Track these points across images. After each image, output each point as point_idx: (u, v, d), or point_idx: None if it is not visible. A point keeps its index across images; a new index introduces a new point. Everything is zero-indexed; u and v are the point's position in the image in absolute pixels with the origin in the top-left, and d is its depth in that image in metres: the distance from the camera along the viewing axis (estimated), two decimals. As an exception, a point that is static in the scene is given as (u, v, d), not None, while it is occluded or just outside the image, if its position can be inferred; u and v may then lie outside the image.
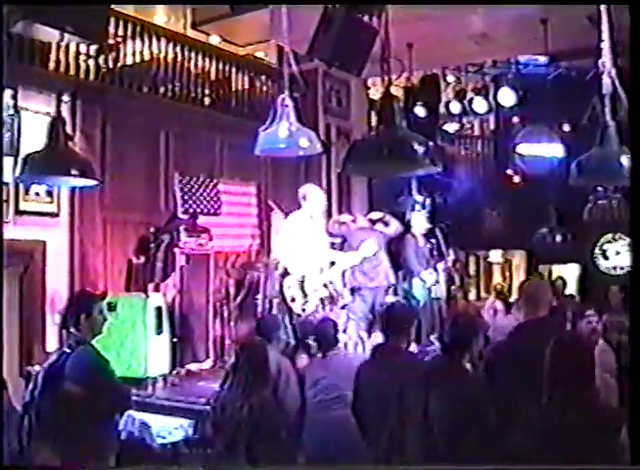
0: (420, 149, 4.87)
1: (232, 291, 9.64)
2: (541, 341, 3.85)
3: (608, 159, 5.15)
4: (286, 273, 8.04)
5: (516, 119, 14.50)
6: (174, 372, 8.43)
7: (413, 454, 4.25)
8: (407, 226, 10.34)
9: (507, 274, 16.58)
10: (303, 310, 7.94)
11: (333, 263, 8.37)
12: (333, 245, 9.27)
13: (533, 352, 3.91)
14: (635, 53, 4.32)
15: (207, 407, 5.79)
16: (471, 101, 14.08)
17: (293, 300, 7.95)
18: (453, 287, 11.36)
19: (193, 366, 8.99)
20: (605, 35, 5.37)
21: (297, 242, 8.12)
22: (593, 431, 3.53)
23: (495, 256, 16.59)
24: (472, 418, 4.14)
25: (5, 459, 4.46)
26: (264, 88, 11.66)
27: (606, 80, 5.21)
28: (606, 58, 5.28)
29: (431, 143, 5.02)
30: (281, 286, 8.02)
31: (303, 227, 8.23)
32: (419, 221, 10.49)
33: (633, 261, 4.19)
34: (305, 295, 7.98)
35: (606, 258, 10.30)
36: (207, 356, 9.31)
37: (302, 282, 7.99)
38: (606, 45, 5.32)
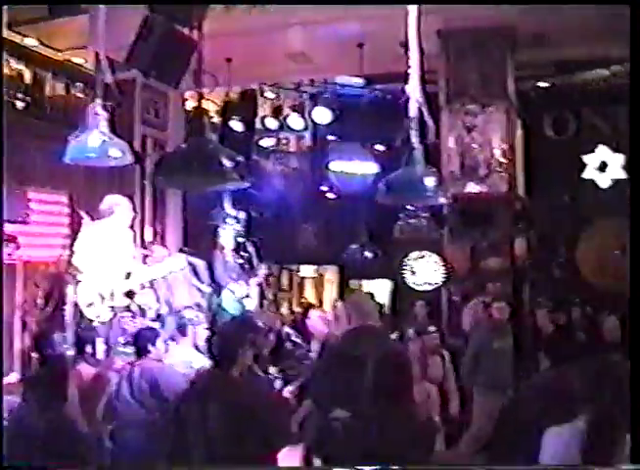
0: (228, 163, 4.94)
1: (40, 302, 9.33)
2: (367, 347, 4.01)
3: (413, 179, 5.37)
4: (84, 281, 7.92)
5: (331, 137, 14.83)
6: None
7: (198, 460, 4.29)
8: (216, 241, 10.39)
9: (319, 289, 16.91)
10: (97, 317, 7.85)
11: (130, 274, 8.31)
12: (145, 257, 9.20)
13: (358, 356, 4.03)
14: (635, 53, 4.45)
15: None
16: (287, 117, 14.32)
17: (89, 305, 7.84)
18: (265, 301, 11.47)
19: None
20: (412, 62, 5.60)
21: (98, 251, 8.02)
22: (408, 439, 3.72)
23: (308, 270, 16.86)
24: (248, 426, 4.22)
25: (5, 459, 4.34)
26: (81, 96, 11.34)
27: (413, 105, 5.42)
28: (413, 84, 5.50)
29: (240, 158, 5.10)
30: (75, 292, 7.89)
31: (107, 237, 8.14)
32: (228, 236, 10.55)
33: (632, 264, 4.34)
34: (104, 303, 7.90)
35: (413, 273, 10.69)
36: (12, 370, 8.95)
37: (99, 289, 7.90)
38: (413, 72, 5.54)
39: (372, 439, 3.73)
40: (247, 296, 10.35)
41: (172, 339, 7.25)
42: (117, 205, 8.31)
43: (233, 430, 4.24)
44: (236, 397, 4.40)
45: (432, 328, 7.74)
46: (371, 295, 5.91)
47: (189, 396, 4.57)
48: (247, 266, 10.59)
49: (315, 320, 8.13)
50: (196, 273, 9.41)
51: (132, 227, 8.93)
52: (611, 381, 3.73)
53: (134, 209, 9.49)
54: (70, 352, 7.19)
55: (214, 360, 4.61)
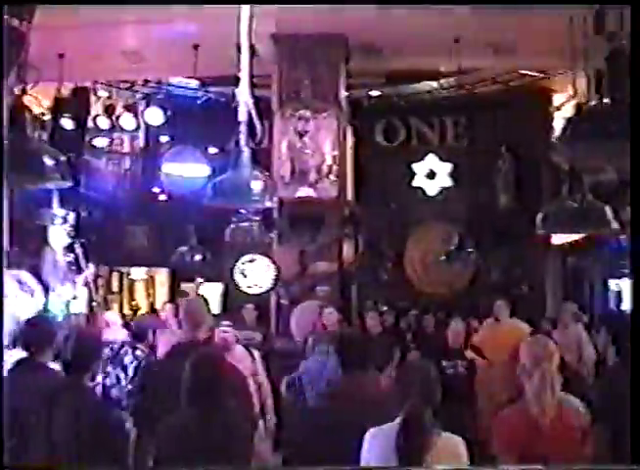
0: (49, 162, 4.83)
1: None
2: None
3: (239, 182, 5.40)
4: None
5: (165, 139, 14.68)
6: None
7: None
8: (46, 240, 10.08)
9: (151, 291, 16.70)
10: None
11: None
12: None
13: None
14: (635, 53, 4.48)
15: None
16: (119, 117, 14.07)
17: None
18: (94, 303, 11.22)
19: None
20: (243, 65, 5.64)
21: None
22: (228, 439, 3.79)
23: (139, 272, 16.62)
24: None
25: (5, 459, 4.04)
26: None
27: (242, 109, 5.46)
28: (243, 87, 5.54)
29: (62, 157, 4.98)
30: None
31: None
32: (57, 236, 10.26)
33: (633, 264, 4.37)
34: None
35: (245, 277, 10.71)
36: None
37: None
38: (244, 75, 5.59)
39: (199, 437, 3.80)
40: (74, 298, 10.09)
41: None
42: None
43: (78, 438, 4.15)
44: (86, 404, 4.30)
45: (225, 322, 7.69)
46: (205, 300, 5.83)
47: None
48: (74, 268, 10.32)
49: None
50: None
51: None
52: (420, 383, 3.87)
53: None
54: None
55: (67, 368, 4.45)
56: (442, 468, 3.72)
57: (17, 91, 5.55)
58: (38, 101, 8.88)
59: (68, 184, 5.17)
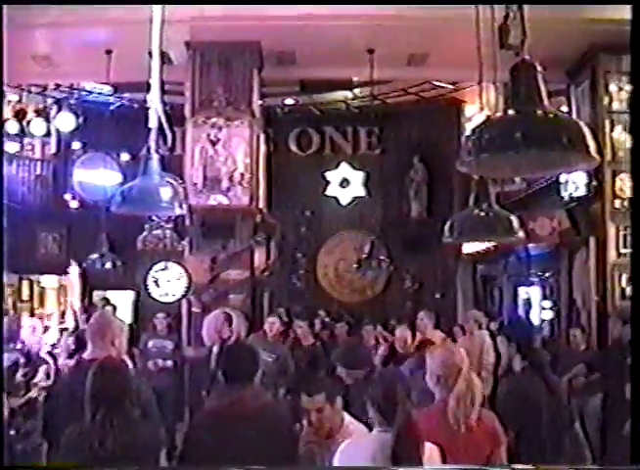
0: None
1: None
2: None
3: (148, 189, 5.38)
4: None
5: (77, 145, 14.51)
6: None
7: None
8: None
9: (62, 299, 16.43)
10: None
11: None
12: None
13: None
14: (635, 53, 4.47)
15: None
16: (29, 122, 13.87)
17: None
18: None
19: None
20: (154, 71, 5.64)
21: None
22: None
23: (50, 281, 16.34)
24: None
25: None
26: None
27: (152, 115, 5.46)
28: (153, 93, 5.54)
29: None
30: None
31: None
32: None
33: (633, 263, 4.36)
34: None
35: (157, 285, 10.64)
36: None
37: None
38: (154, 80, 5.59)
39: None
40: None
41: None
42: None
43: None
44: None
45: None
46: (114, 311, 5.77)
47: None
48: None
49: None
50: None
51: None
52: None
53: None
54: None
55: None
56: (439, 468, 3.76)
57: None
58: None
59: (-30, 190, 5.09)
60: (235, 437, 4.20)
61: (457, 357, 4.33)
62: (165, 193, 5.50)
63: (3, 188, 5.67)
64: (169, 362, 9.72)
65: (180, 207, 5.82)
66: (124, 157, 13.08)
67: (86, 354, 5.14)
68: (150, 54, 6.06)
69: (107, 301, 13.90)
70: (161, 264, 10.69)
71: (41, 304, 16.24)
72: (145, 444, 4.01)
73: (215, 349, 7.93)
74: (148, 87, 5.84)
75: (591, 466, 3.82)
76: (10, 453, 4.46)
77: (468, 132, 3.35)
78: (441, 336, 9.08)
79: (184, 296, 10.38)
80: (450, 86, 14.35)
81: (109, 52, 10.41)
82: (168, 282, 10.63)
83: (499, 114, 3.40)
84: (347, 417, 4.41)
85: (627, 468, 3.74)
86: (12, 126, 13.76)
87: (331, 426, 4.30)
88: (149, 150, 5.60)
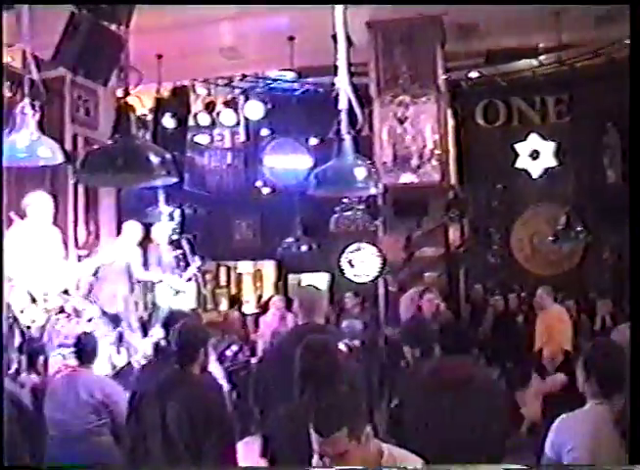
0: (155, 159, 4.85)
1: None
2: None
3: (343, 170, 5.40)
4: (14, 285, 7.71)
5: (265, 132, 14.80)
6: None
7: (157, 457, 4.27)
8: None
9: (258, 284, 16.86)
10: (33, 322, 7.66)
11: (61, 273, 8.17)
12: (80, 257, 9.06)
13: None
14: (635, 53, 4.46)
15: None
16: (219, 113, 14.26)
17: (22, 311, 7.65)
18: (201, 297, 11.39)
19: None
20: (340, 54, 5.64)
21: (22, 252, 7.83)
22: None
23: (246, 266, 16.81)
24: (210, 422, 4.22)
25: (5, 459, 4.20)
26: (8, 95, 11.08)
27: (342, 97, 5.46)
28: (342, 75, 5.54)
29: (167, 154, 5.00)
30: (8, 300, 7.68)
31: (30, 237, 7.96)
32: (161, 232, 10.39)
33: (632, 259, 4.34)
34: (38, 307, 7.73)
35: (352, 266, 10.71)
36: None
37: (31, 293, 7.73)
38: (341, 63, 5.58)
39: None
40: (179, 292, 10.20)
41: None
42: (33, 203, 8.12)
43: (192, 427, 4.22)
44: (196, 393, 4.36)
45: None
46: (318, 289, 5.84)
47: (147, 395, 4.50)
48: (182, 264, 10.45)
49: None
50: (132, 266, 9.30)
51: (56, 225, 8.66)
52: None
53: (66, 209, 9.33)
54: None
55: (176, 358, 4.52)
56: (437, 467, 3.67)
57: (120, 93, 5.72)
58: (140, 102, 9.04)
59: (175, 180, 5.21)
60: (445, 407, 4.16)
61: None
62: (360, 173, 5.51)
63: (3, 186, 5.85)
64: (357, 342, 9.76)
65: (375, 186, 5.80)
66: (312, 141, 13.21)
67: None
68: (333, 38, 6.06)
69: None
70: (355, 245, 10.74)
71: (238, 289, 16.74)
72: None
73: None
74: (332, 70, 5.84)
75: (591, 466, 3.55)
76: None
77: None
78: (561, 310, 8.93)
79: (378, 276, 10.40)
80: (644, 44, 13.57)
81: (291, 38, 10.53)
82: (362, 263, 10.67)
83: None
84: None
85: (627, 468, 3.54)
86: (203, 119, 14.20)
87: None
88: (339, 132, 5.61)
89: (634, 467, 3.49)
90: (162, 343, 5.44)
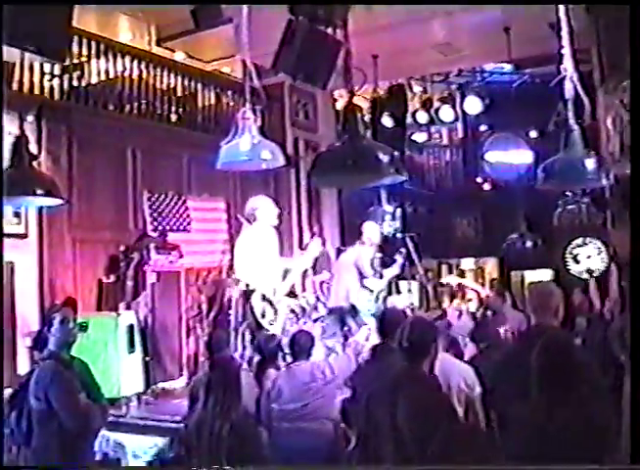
0: (384, 158, 4.85)
1: (204, 307, 9.54)
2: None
3: (572, 162, 5.20)
4: (250, 290, 7.97)
5: (483, 127, 14.60)
6: (148, 391, 8.32)
7: (385, 457, 4.24)
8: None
9: (480, 282, 16.63)
10: (271, 325, 7.88)
11: (287, 271, 8.36)
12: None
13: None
14: (635, 53, 4.32)
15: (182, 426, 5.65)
16: (437, 110, 14.20)
17: (263, 315, 7.89)
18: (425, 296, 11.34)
19: (167, 384, 8.88)
20: (565, 41, 5.43)
21: (253, 257, 8.09)
22: (581, 431, 3.60)
23: (467, 263, 16.63)
24: (438, 421, 4.15)
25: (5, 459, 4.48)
26: (231, 104, 11.59)
27: (568, 85, 5.25)
28: (567, 63, 5.33)
29: (395, 152, 4.98)
30: (248, 303, 7.94)
31: (258, 241, 8.20)
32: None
33: (633, 259, 4.18)
34: (274, 309, 7.96)
35: (577, 262, 10.32)
36: (181, 374, 9.22)
37: (266, 296, 7.96)
38: (567, 51, 5.38)
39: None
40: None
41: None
42: (259, 206, 8.38)
43: (421, 425, 4.20)
44: (427, 391, 4.36)
45: None
46: (555, 286, 5.59)
47: (375, 394, 4.53)
48: (406, 263, 10.40)
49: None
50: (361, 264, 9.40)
51: (279, 228, 8.88)
52: None
53: (290, 212, 9.57)
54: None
55: (406, 355, 4.52)
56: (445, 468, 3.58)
57: (336, 96, 5.84)
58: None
59: (403, 178, 5.19)
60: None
61: None
62: (590, 165, 5.28)
63: (3, 185, 5.78)
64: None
65: (606, 178, 5.55)
66: (532, 134, 12.87)
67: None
68: (550, 26, 5.84)
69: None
70: (580, 240, 10.35)
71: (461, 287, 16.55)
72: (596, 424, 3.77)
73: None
74: (550, 60, 5.63)
75: (591, 466, 3.14)
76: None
77: None
78: None
79: (605, 270, 9.95)
80: None
81: (507, 29, 10.29)
82: (588, 258, 10.26)
83: None
84: None
85: (627, 468, 3.49)
86: (421, 116, 14.19)
87: None
88: (564, 123, 5.41)
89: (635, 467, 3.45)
90: (381, 340, 5.47)
